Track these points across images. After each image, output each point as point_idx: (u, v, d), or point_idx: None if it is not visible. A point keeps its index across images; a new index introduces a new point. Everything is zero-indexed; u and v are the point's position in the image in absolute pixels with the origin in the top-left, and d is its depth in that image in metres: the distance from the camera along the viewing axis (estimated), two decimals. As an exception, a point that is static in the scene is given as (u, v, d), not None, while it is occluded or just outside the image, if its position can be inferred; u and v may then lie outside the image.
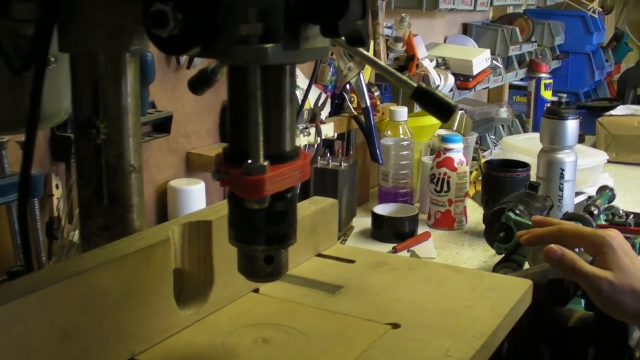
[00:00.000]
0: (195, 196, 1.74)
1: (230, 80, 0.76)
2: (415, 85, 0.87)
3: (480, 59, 2.82)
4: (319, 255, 1.15)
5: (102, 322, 0.80)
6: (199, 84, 0.98)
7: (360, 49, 0.87)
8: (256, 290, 1.02)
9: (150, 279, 0.86)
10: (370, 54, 0.93)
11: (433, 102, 0.87)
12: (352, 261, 1.13)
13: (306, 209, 1.12)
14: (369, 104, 2.13)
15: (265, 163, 0.71)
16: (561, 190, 2.07)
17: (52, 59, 0.92)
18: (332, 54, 2.07)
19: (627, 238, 1.78)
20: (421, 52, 2.58)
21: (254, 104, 0.70)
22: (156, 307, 0.87)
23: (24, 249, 0.94)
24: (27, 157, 0.87)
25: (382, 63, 0.93)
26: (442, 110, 0.87)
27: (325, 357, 0.87)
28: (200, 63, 1.75)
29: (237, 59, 0.71)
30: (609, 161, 2.65)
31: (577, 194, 2.22)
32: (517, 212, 1.73)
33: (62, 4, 0.83)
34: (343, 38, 0.74)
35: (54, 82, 0.95)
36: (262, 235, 0.77)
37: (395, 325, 0.93)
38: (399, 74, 0.90)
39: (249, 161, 0.71)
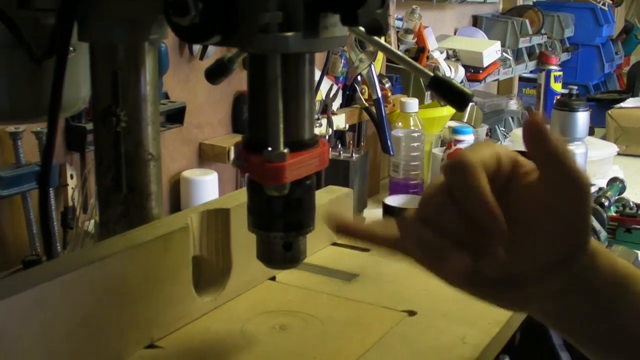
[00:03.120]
0: (208, 187, 1.74)
1: (251, 69, 0.76)
2: (431, 74, 0.88)
3: (490, 51, 2.82)
4: (335, 244, 1.16)
5: (121, 308, 0.81)
6: (216, 73, 0.99)
7: (378, 38, 0.87)
8: (273, 278, 1.03)
9: (169, 266, 0.87)
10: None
11: (449, 91, 0.87)
12: (367, 250, 1.14)
13: (322, 198, 1.12)
14: (380, 95, 2.13)
15: (285, 150, 0.71)
16: (572, 181, 2.07)
17: (72, 49, 0.92)
18: (343, 46, 2.08)
19: (637, 230, 1.80)
20: (431, 44, 2.58)
21: (275, 92, 0.71)
22: (175, 293, 0.88)
23: (45, 236, 0.95)
24: (49, 145, 0.88)
25: (399, 52, 0.93)
26: (458, 99, 0.87)
27: (342, 344, 0.88)
28: (213, 53, 1.75)
29: (258, 47, 0.71)
30: (619, 153, 2.65)
31: (588, 185, 2.22)
32: (529, 203, 1.73)
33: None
34: (362, 27, 0.75)
35: (72, 71, 0.95)
36: (281, 222, 0.78)
37: (412, 313, 0.94)
38: (415, 63, 0.91)
39: (269, 149, 0.71)
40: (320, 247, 1.13)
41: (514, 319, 0.96)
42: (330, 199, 1.13)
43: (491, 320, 0.92)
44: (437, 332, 0.90)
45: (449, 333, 0.89)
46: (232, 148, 1.72)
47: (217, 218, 0.94)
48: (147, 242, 0.84)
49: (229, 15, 0.71)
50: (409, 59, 0.91)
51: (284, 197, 0.76)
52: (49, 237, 0.96)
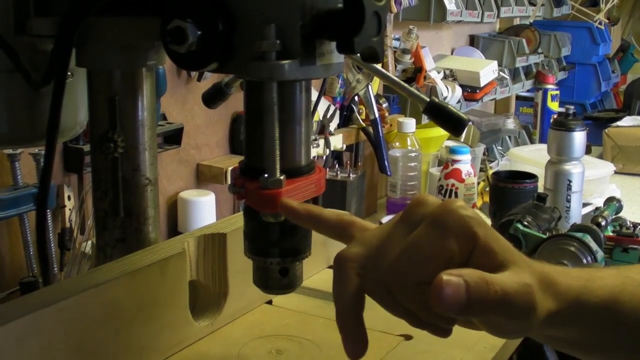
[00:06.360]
0: (206, 207, 1.75)
1: (247, 96, 0.77)
2: (427, 99, 0.88)
3: (487, 71, 2.83)
4: (331, 267, 1.16)
5: (117, 334, 0.81)
6: (213, 98, 0.99)
7: (374, 64, 0.88)
8: (270, 302, 1.03)
9: (166, 291, 0.87)
10: (379, 65, 0.94)
11: (445, 116, 0.88)
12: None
13: (318, 221, 1.12)
14: (377, 115, 2.14)
15: (282, 177, 0.72)
16: (568, 201, 2.08)
17: (69, 74, 0.93)
18: (339, 73, 2.08)
19: (634, 250, 1.80)
20: (429, 63, 2.59)
21: (271, 119, 0.71)
22: (171, 318, 0.88)
23: (41, 259, 0.95)
24: (46, 170, 0.88)
25: (395, 78, 0.94)
26: (454, 124, 0.88)
27: (339, 369, 0.88)
28: (211, 76, 1.76)
29: (254, 75, 0.72)
30: (615, 172, 2.65)
31: (585, 205, 2.23)
32: (525, 223, 1.74)
33: (80, 20, 0.84)
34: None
35: (70, 96, 0.96)
36: (277, 248, 0.78)
37: (408, 337, 0.94)
38: (411, 88, 0.92)
39: (266, 175, 0.72)
40: (316, 271, 1.13)
41: (510, 342, 0.96)
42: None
43: (487, 344, 0.92)
44: (433, 357, 0.90)
45: (444, 357, 0.89)
46: (229, 170, 1.73)
47: (213, 242, 0.94)
48: (143, 268, 0.84)
49: (226, 43, 0.72)
50: (405, 85, 0.92)
51: (280, 223, 0.76)
52: (46, 259, 0.96)
